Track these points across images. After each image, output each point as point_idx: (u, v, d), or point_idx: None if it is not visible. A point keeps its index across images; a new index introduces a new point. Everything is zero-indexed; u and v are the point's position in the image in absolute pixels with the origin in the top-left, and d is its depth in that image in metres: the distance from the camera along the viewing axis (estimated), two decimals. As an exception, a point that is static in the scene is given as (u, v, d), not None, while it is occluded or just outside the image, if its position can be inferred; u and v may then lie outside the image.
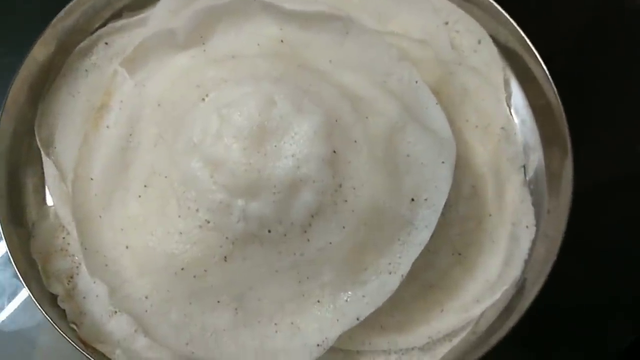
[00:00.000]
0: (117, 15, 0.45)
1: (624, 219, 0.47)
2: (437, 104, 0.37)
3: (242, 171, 0.33)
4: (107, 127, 0.39)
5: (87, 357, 0.33)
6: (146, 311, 0.34)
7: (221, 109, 0.34)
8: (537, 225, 0.40)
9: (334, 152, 0.34)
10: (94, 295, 0.37)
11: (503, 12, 0.42)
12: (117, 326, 0.36)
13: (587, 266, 0.44)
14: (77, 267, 0.38)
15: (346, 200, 0.34)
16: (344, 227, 0.34)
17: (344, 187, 0.34)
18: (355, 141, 0.35)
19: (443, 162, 0.35)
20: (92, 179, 0.37)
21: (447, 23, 0.44)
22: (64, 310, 0.36)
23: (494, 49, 0.44)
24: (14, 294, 0.43)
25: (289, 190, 0.33)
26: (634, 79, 0.50)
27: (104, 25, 0.44)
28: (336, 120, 0.35)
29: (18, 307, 0.43)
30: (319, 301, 0.35)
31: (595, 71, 0.49)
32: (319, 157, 0.33)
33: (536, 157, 0.42)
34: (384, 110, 0.36)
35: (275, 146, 0.33)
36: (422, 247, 0.34)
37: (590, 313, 0.44)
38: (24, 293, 0.43)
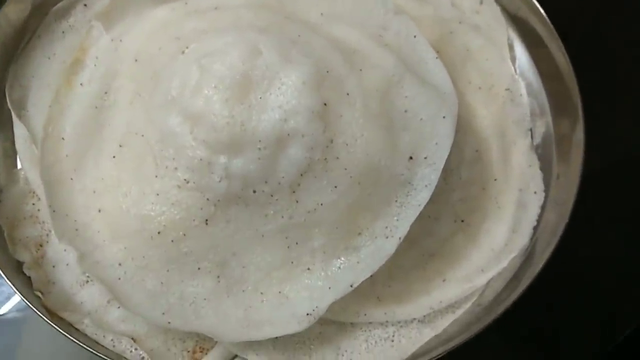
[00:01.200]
0: (98, -24, 0.43)
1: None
2: (437, 57, 0.35)
3: (223, 125, 0.30)
4: (81, 84, 0.36)
5: (52, 327, 0.30)
6: (119, 279, 0.32)
7: (201, 60, 0.32)
8: (546, 190, 0.37)
9: (325, 104, 0.31)
10: (64, 264, 0.34)
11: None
12: (89, 296, 0.33)
13: (594, 245, 0.42)
14: (47, 234, 0.35)
15: (338, 157, 0.31)
16: (335, 187, 0.31)
17: (336, 142, 0.31)
18: (348, 94, 0.32)
19: (444, 117, 0.33)
20: (63, 138, 0.35)
21: (447, -20, 0.42)
22: (29, 278, 0.33)
23: (496, 9, 0.41)
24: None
25: (276, 146, 0.31)
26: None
27: (82, -15, 0.42)
28: (327, 72, 0.32)
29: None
30: (309, 268, 0.32)
31: (607, 33, 0.47)
32: (308, 109, 0.31)
33: (544, 123, 0.40)
34: (380, 63, 0.34)
35: (261, 98, 0.31)
36: (421, 208, 0.32)
37: (598, 295, 0.42)
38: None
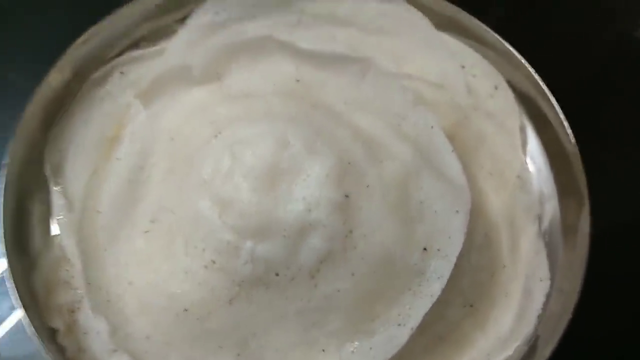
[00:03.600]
0: (134, 45, 0.45)
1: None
2: (452, 151, 0.37)
3: (251, 212, 0.33)
4: (118, 158, 0.38)
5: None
6: (146, 352, 0.34)
7: (233, 147, 0.34)
8: (552, 278, 0.39)
9: (346, 196, 0.33)
10: (95, 332, 0.36)
11: (518, 56, 0.42)
12: (117, 366, 0.35)
13: (603, 317, 0.43)
14: (79, 301, 0.37)
15: (356, 247, 0.33)
16: (353, 274, 0.33)
17: (355, 233, 0.33)
18: (368, 186, 0.34)
19: (457, 212, 0.35)
20: (99, 211, 0.37)
21: (463, 67, 0.44)
22: (63, 347, 0.35)
23: (510, 95, 0.43)
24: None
25: (299, 234, 0.33)
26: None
27: (120, 54, 0.44)
28: (349, 163, 0.34)
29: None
30: (324, 350, 0.34)
31: (614, 116, 0.49)
32: (330, 201, 0.33)
33: (551, 207, 0.41)
34: (398, 155, 0.36)
35: (287, 188, 0.33)
36: (434, 300, 0.34)
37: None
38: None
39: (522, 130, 0.43)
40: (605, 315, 0.42)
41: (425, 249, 0.34)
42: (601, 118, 0.49)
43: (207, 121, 0.37)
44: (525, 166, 0.42)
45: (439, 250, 0.34)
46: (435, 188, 0.35)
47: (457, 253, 0.34)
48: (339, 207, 0.33)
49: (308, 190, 0.33)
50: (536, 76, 0.42)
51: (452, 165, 0.36)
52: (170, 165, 0.37)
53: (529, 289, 0.38)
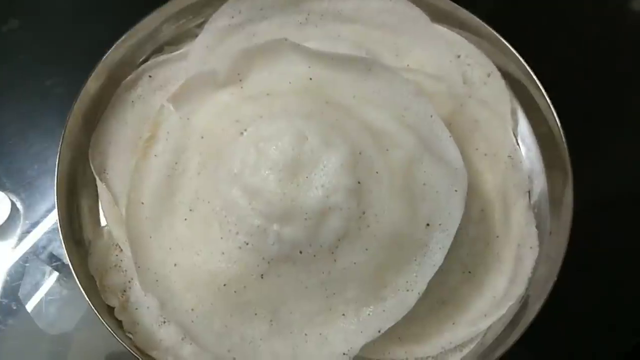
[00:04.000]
0: (158, 49, 0.49)
1: (623, 236, 0.50)
2: (450, 136, 0.41)
3: (277, 200, 0.37)
4: (155, 155, 0.42)
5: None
6: (192, 322, 0.39)
7: (258, 143, 0.38)
8: (540, 246, 0.43)
9: (359, 182, 0.38)
10: (145, 307, 0.41)
11: (509, 46, 0.46)
12: (166, 335, 0.40)
13: (587, 280, 0.48)
14: (130, 281, 0.42)
15: (369, 226, 0.38)
16: (366, 249, 0.38)
17: (367, 214, 0.38)
18: (377, 172, 0.39)
19: (456, 191, 0.39)
20: (142, 203, 0.41)
21: (459, 56, 0.48)
22: (119, 321, 0.41)
23: (502, 82, 0.47)
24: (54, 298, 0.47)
25: (319, 217, 0.37)
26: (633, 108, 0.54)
27: (147, 59, 0.48)
28: (360, 153, 0.39)
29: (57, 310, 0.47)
30: (344, 315, 0.39)
31: (597, 99, 0.53)
32: (346, 187, 0.37)
33: (540, 182, 0.45)
34: (403, 143, 0.40)
35: (307, 177, 0.37)
36: (436, 268, 0.38)
37: (592, 321, 0.48)
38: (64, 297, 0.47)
39: (514, 113, 0.47)
40: (587, 278, 0.47)
41: (428, 224, 0.39)
42: (587, 100, 0.53)
43: (233, 120, 0.41)
44: (516, 147, 0.46)
45: (440, 225, 0.39)
46: (436, 171, 0.40)
47: (456, 227, 0.39)
48: (353, 192, 0.37)
49: (326, 178, 0.37)
50: (524, 63, 0.45)
51: (450, 150, 0.40)
52: (202, 160, 0.41)
53: (520, 256, 0.43)
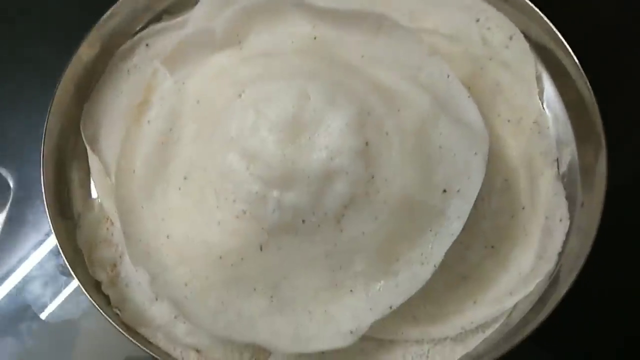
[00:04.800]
0: (157, 18, 0.47)
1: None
2: (469, 97, 0.37)
3: (277, 163, 0.34)
4: (148, 122, 0.40)
5: (129, 340, 0.35)
6: (186, 297, 0.36)
7: (257, 104, 0.35)
8: (571, 218, 0.39)
9: (366, 144, 0.35)
10: (136, 283, 0.38)
11: (534, 7, 0.42)
12: (158, 312, 0.38)
13: (617, 263, 0.44)
14: (120, 256, 0.39)
15: (378, 192, 0.35)
16: (376, 218, 0.35)
17: (376, 178, 0.35)
18: (387, 133, 0.35)
19: (476, 154, 0.36)
20: (134, 171, 0.39)
21: (478, 20, 0.44)
22: (108, 297, 0.38)
23: (525, 44, 0.43)
24: (59, 287, 0.45)
25: (323, 181, 0.34)
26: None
27: (144, 28, 0.46)
28: (368, 113, 0.35)
29: (65, 299, 0.45)
30: (351, 290, 0.36)
31: (630, 64, 0.49)
32: (352, 149, 0.34)
33: (569, 152, 0.42)
34: (415, 103, 0.37)
35: (309, 138, 0.34)
36: (454, 238, 0.35)
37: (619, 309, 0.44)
38: (69, 286, 0.45)
39: (539, 79, 0.43)
40: (622, 253, 0.43)
41: (445, 190, 0.35)
42: (617, 66, 0.49)
43: (230, 82, 0.38)
44: (542, 111, 0.42)
45: (458, 191, 0.35)
46: (453, 132, 0.36)
47: (476, 193, 0.35)
48: (360, 154, 0.34)
49: (330, 139, 0.34)
50: (551, 25, 0.42)
51: (469, 109, 0.37)
52: (197, 126, 0.39)
53: (549, 229, 0.39)
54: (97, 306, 0.35)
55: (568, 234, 0.39)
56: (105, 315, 0.35)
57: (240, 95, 0.37)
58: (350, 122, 0.34)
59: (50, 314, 0.44)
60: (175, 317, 0.37)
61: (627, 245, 0.44)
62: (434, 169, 0.36)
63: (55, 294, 0.45)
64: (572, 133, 0.42)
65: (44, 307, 0.44)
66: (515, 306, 0.37)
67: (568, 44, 0.41)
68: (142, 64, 0.45)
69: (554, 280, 0.38)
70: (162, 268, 0.36)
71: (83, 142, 0.42)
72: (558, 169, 0.41)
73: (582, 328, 0.43)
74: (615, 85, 0.47)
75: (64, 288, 0.44)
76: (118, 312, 0.37)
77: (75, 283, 0.42)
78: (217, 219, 0.36)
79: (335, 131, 0.34)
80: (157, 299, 0.38)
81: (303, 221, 0.35)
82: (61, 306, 0.44)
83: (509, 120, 0.42)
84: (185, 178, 0.38)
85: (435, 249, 0.35)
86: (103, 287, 0.38)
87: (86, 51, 0.43)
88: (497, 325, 0.37)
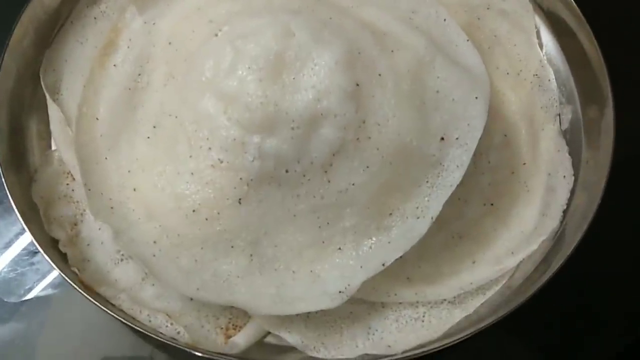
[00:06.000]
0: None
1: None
2: (467, 40, 0.36)
3: (257, 105, 0.31)
4: (115, 65, 0.37)
5: (89, 300, 0.31)
6: (154, 256, 0.32)
7: (235, 41, 0.32)
8: (575, 175, 0.37)
9: (357, 85, 0.32)
10: (99, 242, 0.34)
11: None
12: (123, 274, 0.34)
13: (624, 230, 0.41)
14: (82, 214, 0.35)
15: (370, 137, 0.32)
16: (367, 167, 0.32)
17: (368, 122, 0.32)
18: (380, 75, 0.32)
19: (476, 98, 0.33)
20: (97, 118, 0.36)
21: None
22: (65, 255, 0.34)
23: (523, -6, 0.41)
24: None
25: (309, 126, 0.31)
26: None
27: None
28: (359, 53, 0.33)
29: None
30: (340, 248, 0.32)
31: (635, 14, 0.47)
32: (341, 89, 0.31)
33: (571, 109, 0.40)
34: (411, 44, 0.34)
35: (294, 78, 0.31)
36: (452, 189, 0.32)
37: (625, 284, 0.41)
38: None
39: (538, 34, 0.41)
40: (630, 210, 0.41)
41: (442, 138, 0.33)
42: (623, 25, 0.47)
43: (206, 20, 0.35)
44: (544, 63, 0.40)
45: (457, 138, 0.33)
46: (452, 76, 0.34)
47: (477, 140, 0.32)
48: (350, 96, 0.31)
49: (317, 78, 0.31)
50: None
51: (468, 53, 0.35)
52: (169, 70, 0.35)
53: (552, 186, 0.37)
54: (52, 264, 0.31)
55: (572, 192, 0.37)
56: (62, 274, 0.31)
57: (216, 34, 0.34)
58: (340, 60, 0.31)
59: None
60: (143, 280, 0.33)
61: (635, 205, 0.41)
62: (430, 114, 0.33)
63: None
64: (575, 90, 0.40)
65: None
66: (517, 267, 0.35)
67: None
68: (111, 11, 0.41)
69: (558, 239, 0.35)
70: (128, 223, 0.33)
71: (43, 91, 0.38)
72: (560, 125, 0.39)
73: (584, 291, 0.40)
74: (622, 38, 0.45)
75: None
76: (77, 271, 0.33)
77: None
78: (190, 169, 0.32)
79: (322, 70, 0.31)
80: (122, 260, 0.34)
81: (286, 171, 0.31)
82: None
83: (507, 73, 0.40)
84: (154, 126, 0.35)
85: (432, 201, 0.32)
86: (60, 245, 0.34)
87: (48, -7, 0.40)
88: (498, 287, 0.34)
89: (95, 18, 0.41)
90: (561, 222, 0.36)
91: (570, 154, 0.38)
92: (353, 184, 0.32)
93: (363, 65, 0.32)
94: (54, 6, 0.40)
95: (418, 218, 0.32)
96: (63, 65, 0.39)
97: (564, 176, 0.37)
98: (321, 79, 0.31)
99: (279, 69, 0.31)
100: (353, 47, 0.32)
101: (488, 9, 0.41)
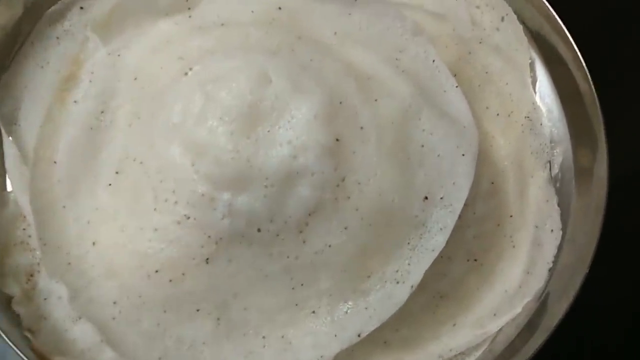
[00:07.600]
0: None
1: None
2: (456, 86, 0.34)
3: (228, 159, 0.29)
4: (75, 102, 0.34)
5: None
6: (114, 318, 0.30)
7: (206, 85, 0.31)
8: (564, 228, 0.35)
9: (337, 139, 0.30)
10: (57, 297, 0.32)
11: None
12: (81, 333, 0.31)
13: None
14: (39, 263, 0.33)
15: (349, 197, 0.30)
16: (345, 228, 0.30)
17: (348, 181, 0.30)
18: (362, 128, 0.31)
19: (463, 155, 0.31)
20: (55, 162, 0.33)
21: (467, -2, 0.40)
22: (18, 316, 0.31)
23: (519, 27, 0.39)
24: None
25: (283, 184, 0.29)
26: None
27: (79, -13, 0.39)
28: (340, 102, 0.31)
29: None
30: (314, 312, 0.31)
31: (635, 54, 0.45)
32: (319, 145, 0.29)
33: (562, 150, 0.38)
34: (396, 92, 0.32)
35: (269, 131, 0.30)
36: (435, 254, 0.31)
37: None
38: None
39: (531, 66, 0.39)
40: (625, 269, 0.40)
41: (426, 197, 0.31)
42: (617, 57, 0.46)
43: (176, 56, 0.33)
44: (536, 105, 0.38)
45: (442, 198, 0.31)
46: (438, 129, 0.32)
47: (463, 201, 0.31)
48: (329, 152, 0.29)
49: (293, 132, 0.29)
50: (548, 6, 0.38)
51: (457, 102, 0.33)
52: (135, 109, 0.33)
53: (539, 240, 0.35)
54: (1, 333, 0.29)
55: (560, 247, 0.35)
56: (8, 341, 0.29)
57: (186, 73, 0.32)
58: (319, 113, 0.30)
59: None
60: (102, 341, 0.31)
61: (630, 260, 0.40)
62: (414, 171, 0.31)
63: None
64: (566, 130, 0.38)
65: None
66: (500, 330, 0.33)
67: (566, 28, 0.37)
68: (75, 30, 0.38)
69: (543, 301, 0.33)
70: (87, 281, 0.31)
71: (-2, 122, 0.35)
72: (550, 171, 0.37)
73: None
74: (617, 77, 0.43)
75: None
76: (29, 335, 0.30)
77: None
78: (153, 225, 0.30)
79: (300, 123, 0.29)
80: (80, 318, 0.32)
81: (259, 230, 0.30)
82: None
83: (498, 114, 0.38)
84: (117, 172, 0.32)
85: (413, 265, 0.31)
86: (14, 303, 0.31)
87: (4, 11, 0.37)
88: (478, 354, 0.33)
89: (57, 38, 0.38)
90: (547, 281, 0.34)
91: (559, 204, 0.36)
92: (330, 245, 0.30)
93: (344, 117, 0.30)
94: (12, 24, 0.37)
95: (398, 283, 0.30)
96: (22, 92, 0.37)
97: (552, 230, 0.35)
98: (298, 133, 0.29)
99: (253, 121, 0.29)
100: (334, 97, 0.30)
101: (480, 42, 0.39)
